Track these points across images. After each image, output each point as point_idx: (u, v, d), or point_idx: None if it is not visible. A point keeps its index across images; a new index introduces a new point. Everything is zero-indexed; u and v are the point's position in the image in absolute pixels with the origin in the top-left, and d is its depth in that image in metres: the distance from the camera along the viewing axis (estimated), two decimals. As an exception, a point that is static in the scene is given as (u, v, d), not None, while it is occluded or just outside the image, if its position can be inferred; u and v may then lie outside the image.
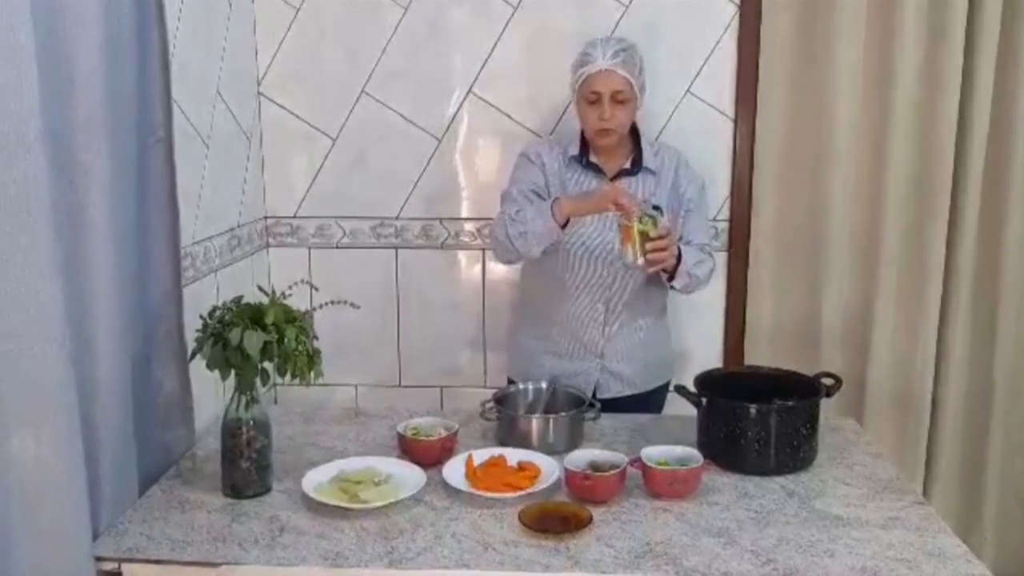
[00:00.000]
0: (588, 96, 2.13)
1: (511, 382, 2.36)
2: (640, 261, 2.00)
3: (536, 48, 2.65)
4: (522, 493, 1.72)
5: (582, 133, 2.24)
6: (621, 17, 2.62)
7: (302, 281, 1.83)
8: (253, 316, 1.70)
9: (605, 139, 2.17)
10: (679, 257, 2.09)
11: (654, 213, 2.03)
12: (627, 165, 2.24)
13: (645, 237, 1.99)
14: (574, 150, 2.23)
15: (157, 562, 1.55)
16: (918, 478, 2.73)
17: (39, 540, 1.39)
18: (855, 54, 2.55)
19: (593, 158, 2.23)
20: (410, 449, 1.91)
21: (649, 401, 2.33)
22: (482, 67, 2.66)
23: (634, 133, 2.26)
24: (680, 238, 2.18)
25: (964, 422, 2.76)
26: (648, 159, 2.24)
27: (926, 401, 2.72)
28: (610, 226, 2.15)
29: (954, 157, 2.59)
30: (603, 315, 2.25)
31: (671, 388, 2.33)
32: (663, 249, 2.00)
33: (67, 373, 1.43)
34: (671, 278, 2.13)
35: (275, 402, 2.70)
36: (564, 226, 2.07)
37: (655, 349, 2.36)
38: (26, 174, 1.32)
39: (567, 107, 2.65)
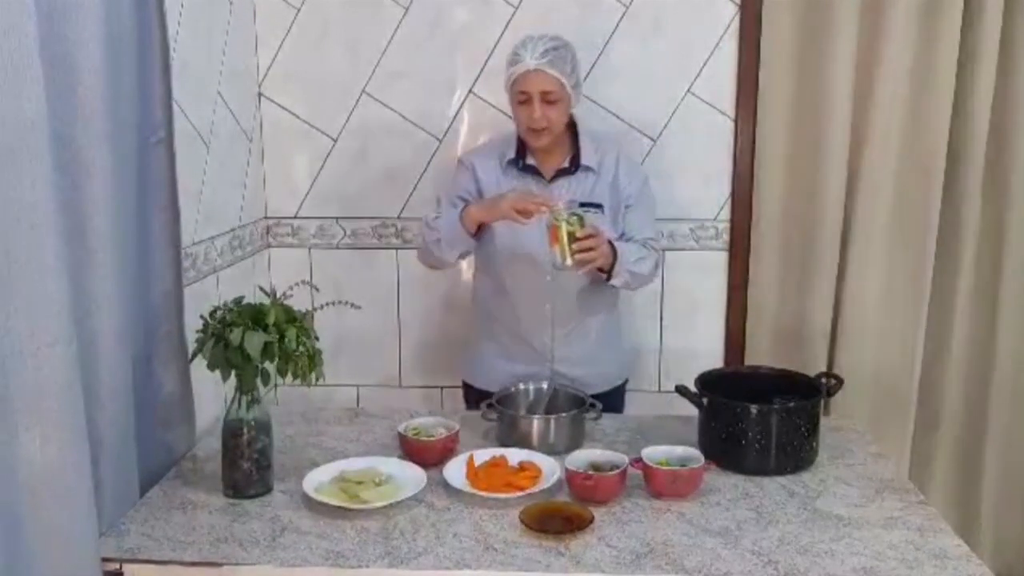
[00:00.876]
0: (518, 96, 2.11)
1: (467, 387, 2.37)
2: (568, 262, 1.99)
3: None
4: (523, 493, 1.72)
5: (518, 134, 2.21)
6: (621, 17, 2.62)
7: (303, 282, 1.83)
8: (254, 317, 1.71)
9: (537, 139, 2.14)
10: (616, 255, 2.07)
11: (580, 212, 2.02)
12: (565, 164, 2.21)
13: (573, 237, 1.98)
14: (511, 153, 2.21)
15: (158, 563, 1.55)
16: (917, 476, 2.72)
17: (47, 540, 1.39)
18: (855, 53, 2.55)
19: (530, 160, 2.20)
20: (411, 449, 1.91)
21: (606, 404, 2.15)
22: (483, 67, 2.66)
23: (573, 130, 2.23)
24: (621, 235, 2.19)
25: (963, 420, 2.76)
26: (587, 156, 2.20)
27: (927, 399, 2.72)
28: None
29: (955, 155, 2.59)
30: (550, 319, 2.23)
31: (627, 388, 2.42)
32: (591, 248, 1.98)
33: (74, 374, 1.43)
34: (609, 277, 2.12)
35: (276, 402, 2.70)
36: (476, 233, 2.11)
37: (607, 350, 2.35)
38: (34, 176, 1.32)
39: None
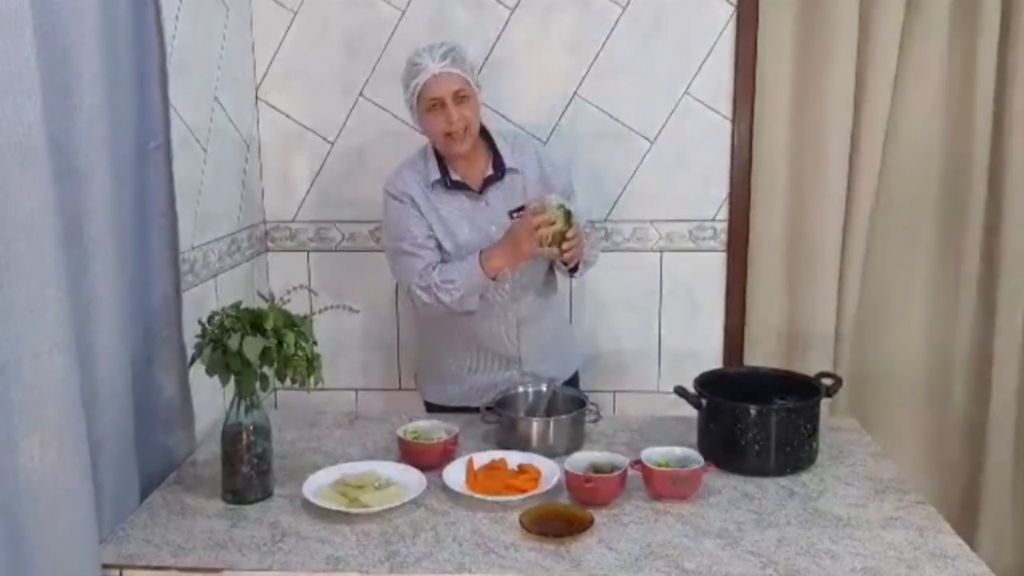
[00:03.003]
0: (428, 104, 2.06)
1: (430, 407, 2.35)
2: (555, 251, 2.01)
3: (534, 50, 2.65)
4: (523, 496, 1.72)
5: (435, 152, 2.16)
6: (618, 18, 2.62)
7: (301, 286, 1.83)
8: (252, 321, 1.71)
9: (458, 145, 2.09)
10: None
11: (567, 205, 2.02)
12: (490, 172, 2.17)
13: (559, 232, 1.99)
14: (435, 173, 2.15)
15: (158, 568, 1.55)
16: (916, 476, 2.72)
17: (47, 546, 1.39)
18: (853, 54, 2.55)
19: (455, 175, 2.16)
20: (411, 453, 1.91)
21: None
22: (480, 69, 2.66)
23: (485, 135, 2.20)
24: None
25: (963, 420, 2.76)
26: (508, 159, 2.18)
27: (928, 400, 2.72)
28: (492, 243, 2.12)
29: (953, 154, 2.59)
30: (515, 328, 2.23)
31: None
32: (575, 245, 2.02)
33: (73, 380, 1.43)
34: (573, 270, 2.17)
35: (275, 407, 2.70)
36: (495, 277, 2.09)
37: (564, 340, 2.41)
38: (31, 182, 1.32)
39: (567, 106, 2.66)
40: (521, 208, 2.13)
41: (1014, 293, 2.65)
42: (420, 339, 2.47)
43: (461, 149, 2.11)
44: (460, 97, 2.07)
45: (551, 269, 2.30)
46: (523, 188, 2.19)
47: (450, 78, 2.05)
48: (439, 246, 2.15)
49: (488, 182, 2.18)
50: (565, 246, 2.01)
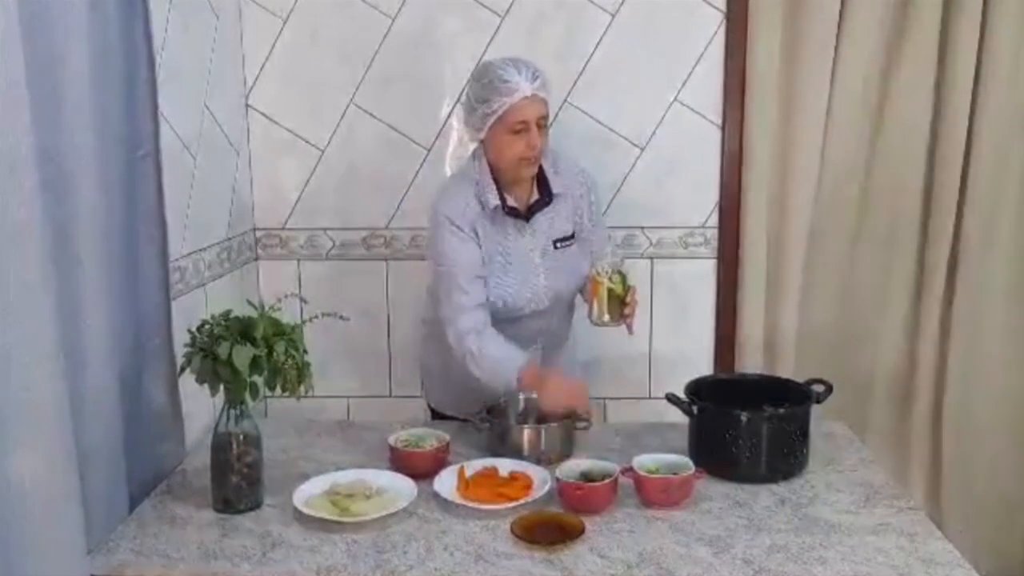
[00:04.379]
0: (514, 127, 1.97)
1: (436, 415, 2.33)
2: (606, 318, 2.00)
3: (523, 56, 2.64)
4: (514, 504, 1.72)
5: (490, 172, 2.06)
6: (608, 26, 2.63)
7: (291, 294, 1.82)
8: (243, 330, 1.70)
9: (529, 168, 2.04)
10: None
11: (623, 270, 2.01)
12: (536, 196, 2.11)
13: (613, 294, 1.99)
14: (494, 199, 2.05)
15: (148, 578, 1.54)
16: (908, 482, 2.73)
17: (36, 557, 1.38)
18: (841, 59, 2.57)
19: (511, 201, 2.08)
20: (402, 461, 1.91)
21: None
22: (470, 77, 2.66)
23: None
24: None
25: (955, 424, 2.77)
26: (554, 183, 2.10)
27: (919, 404, 2.73)
28: (527, 281, 2.10)
29: (937, 157, 2.60)
30: (539, 353, 2.20)
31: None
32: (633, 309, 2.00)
33: (61, 390, 1.43)
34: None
35: (266, 415, 2.69)
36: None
37: (572, 358, 2.37)
38: (19, 191, 1.32)
39: (558, 113, 2.66)
40: (564, 239, 2.11)
41: (998, 296, 2.66)
42: (428, 346, 2.37)
43: (530, 174, 2.06)
44: (541, 124, 2.00)
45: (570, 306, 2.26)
46: (569, 214, 2.14)
47: (539, 103, 1.98)
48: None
49: (534, 208, 2.11)
50: (626, 311, 1.99)
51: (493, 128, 2.00)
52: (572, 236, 2.15)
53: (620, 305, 2.01)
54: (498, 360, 2.01)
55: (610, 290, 1.99)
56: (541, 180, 2.11)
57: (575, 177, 2.16)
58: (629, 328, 2.05)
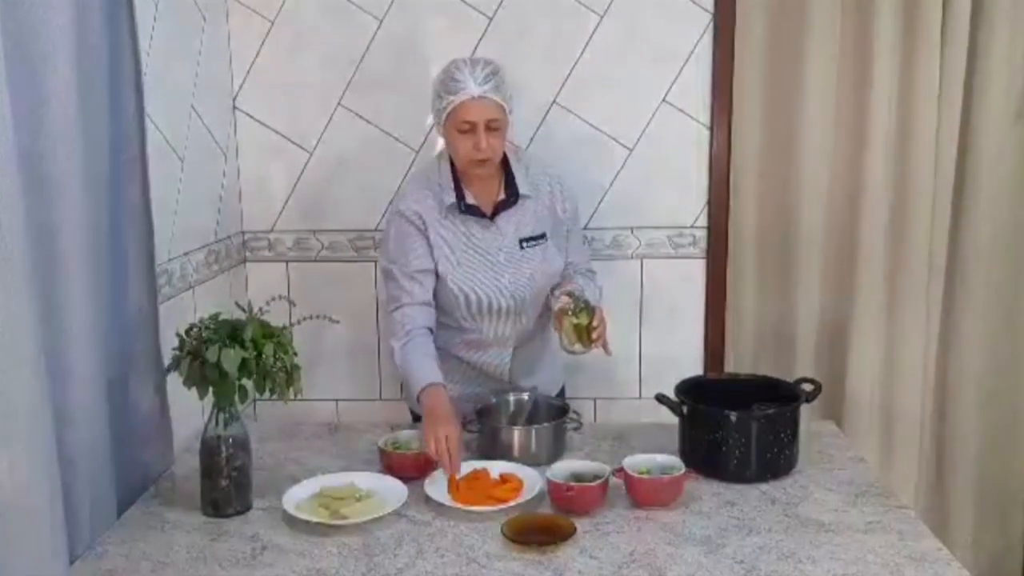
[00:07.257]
0: (460, 126, 1.96)
1: (416, 417, 2.29)
2: (577, 347, 1.99)
3: (511, 58, 2.62)
4: (505, 506, 1.72)
5: (451, 168, 2.08)
6: (596, 27, 2.63)
7: (279, 297, 1.82)
8: (231, 333, 1.69)
9: (480, 168, 2.03)
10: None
11: (586, 302, 1.99)
12: (502, 196, 2.09)
13: (580, 328, 1.97)
14: (450, 197, 2.05)
15: (136, 584, 1.53)
16: (896, 481, 2.74)
17: (16, 566, 1.37)
18: (829, 59, 2.58)
19: (469, 199, 2.07)
20: (391, 463, 1.90)
21: None
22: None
23: (503, 158, 2.10)
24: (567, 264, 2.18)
25: (941, 424, 2.78)
26: (521, 184, 2.09)
27: (906, 404, 2.73)
28: (489, 278, 2.09)
29: (934, 158, 2.62)
30: (510, 354, 2.20)
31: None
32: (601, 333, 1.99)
33: (43, 395, 1.41)
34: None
35: (254, 418, 2.68)
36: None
37: (551, 354, 2.32)
38: (1, 193, 1.31)
39: (546, 114, 2.67)
40: (531, 239, 2.10)
41: (990, 294, 2.67)
42: None
43: (480, 172, 2.05)
44: (493, 127, 1.98)
45: (547, 304, 2.23)
46: (534, 215, 2.13)
47: (488, 105, 1.96)
48: (435, 272, 2.08)
49: (500, 207, 2.10)
50: (594, 336, 1.98)
51: (445, 125, 2.02)
52: (542, 236, 2.13)
53: (588, 332, 1.99)
54: (410, 372, 2.02)
55: (576, 324, 1.97)
56: (509, 180, 2.11)
57: (545, 181, 2.15)
58: (605, 350, 2.01)
